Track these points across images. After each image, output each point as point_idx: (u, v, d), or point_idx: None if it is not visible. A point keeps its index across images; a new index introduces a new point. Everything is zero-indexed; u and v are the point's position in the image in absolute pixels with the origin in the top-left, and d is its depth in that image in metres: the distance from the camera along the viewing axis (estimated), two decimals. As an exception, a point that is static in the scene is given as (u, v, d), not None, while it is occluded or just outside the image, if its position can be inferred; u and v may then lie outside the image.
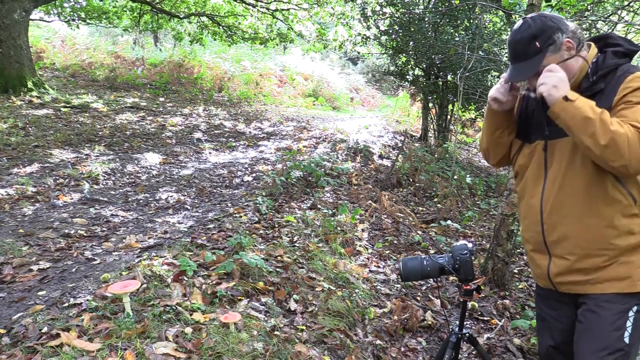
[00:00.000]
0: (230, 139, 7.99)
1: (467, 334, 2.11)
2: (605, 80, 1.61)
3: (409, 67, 9.49)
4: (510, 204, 3.77)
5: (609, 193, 1.60)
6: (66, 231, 3.55)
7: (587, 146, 1.49)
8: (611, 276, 1.62)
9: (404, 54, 9.00)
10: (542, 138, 1.73)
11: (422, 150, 8.28)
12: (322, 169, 6.09)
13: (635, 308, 1.59)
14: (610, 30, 6.03)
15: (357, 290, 3.43)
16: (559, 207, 1.68)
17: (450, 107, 9.64)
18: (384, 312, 3.39)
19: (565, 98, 1.50)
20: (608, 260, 1.62)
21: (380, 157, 8.08)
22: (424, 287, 3.96)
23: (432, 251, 4.67)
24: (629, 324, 1.58)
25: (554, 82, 1.54)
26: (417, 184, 6.76)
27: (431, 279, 3.83)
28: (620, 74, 1.59)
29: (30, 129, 6.36)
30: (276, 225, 4.12)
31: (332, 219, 4.55)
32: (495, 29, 8.64)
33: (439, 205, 6.12)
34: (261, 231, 3.89)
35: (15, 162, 5.07)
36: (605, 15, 6.06)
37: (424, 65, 9.05)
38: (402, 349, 3.03)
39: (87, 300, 2.39)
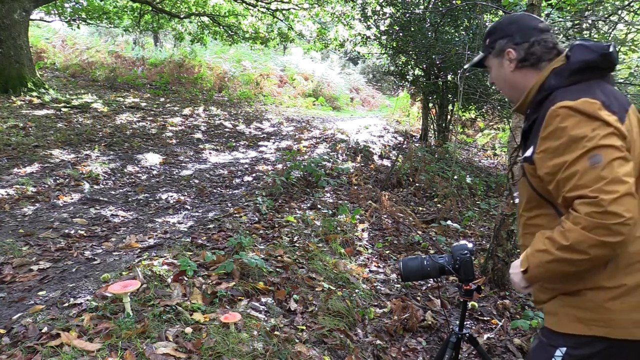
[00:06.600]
0: (231, 139, 7.99)
1: (467, 334, 2.11)
2: (541, 107, 1.40)
3: (409, 67, 9.49)
4: (510, 204, 3.77)
5: (542, 220, 1.50)
6: (66, 231, 3.55)
7: (569, 262, 1.33)
8: (546, 308, 1.54)
9: (404, 54, 9.00)
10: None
11: (422, 150, 8.27)
12: (322, 169, 6.09)
13: (564, 349, 1.46)
14: (610, 31, 6.02)
15: (357, 290, 3.43)
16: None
17: (450, 107, 9.64)
18: (384, 312, 3.38)
19: (524, 271, 1.43)
20: (545, 288, 1.53)
21: (380, 157, 8.08)
22: (424, 287, 3.96)
23: (432, 251, 4.67)
24: None
25: (511, 277, 1.51)
26: (417, 184, 6.76)
27: (431, 279, 3.83)
28: (548, 104, 1.37)
29: (30, 129, 6.35)
30: (276, 225, 4.12)
31: (332, 219, 4.55)
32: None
33: (439, 205, 6.12)
34: (261, 231, 3.89)
35: (16, 162, 5.07)
36: (606, 15, 6.05)
37: (424, 65, 9.05)
38: (402, 349, 3.03)
39: (87, 300, 2.39)
